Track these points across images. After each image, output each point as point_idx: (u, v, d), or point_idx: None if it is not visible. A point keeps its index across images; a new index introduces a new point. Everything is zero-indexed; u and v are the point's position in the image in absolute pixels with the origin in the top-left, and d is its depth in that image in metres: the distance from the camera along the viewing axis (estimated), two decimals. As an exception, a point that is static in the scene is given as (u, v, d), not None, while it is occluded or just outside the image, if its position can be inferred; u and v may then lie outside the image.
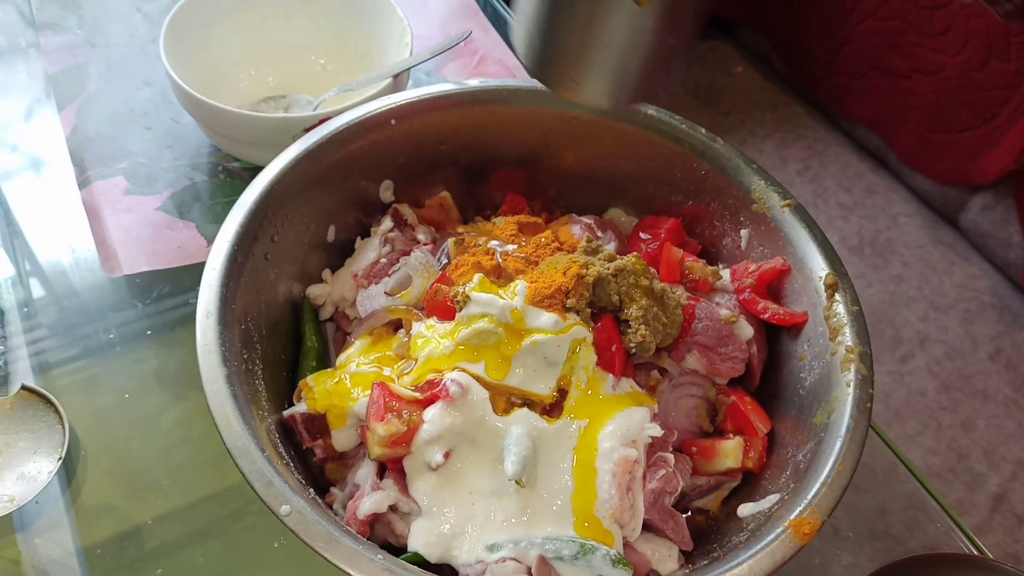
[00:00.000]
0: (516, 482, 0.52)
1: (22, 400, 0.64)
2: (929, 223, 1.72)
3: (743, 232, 0.66)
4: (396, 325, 0.62)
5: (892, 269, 1.67)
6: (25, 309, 0.72)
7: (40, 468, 0.61)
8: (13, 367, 0.69)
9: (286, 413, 0.58)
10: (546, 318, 0.56)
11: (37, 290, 0.75)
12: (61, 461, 0.61)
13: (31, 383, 0.65)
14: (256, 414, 0.52)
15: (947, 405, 1.46)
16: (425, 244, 0.66)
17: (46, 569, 0.59)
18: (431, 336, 0.57)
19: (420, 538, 0.52)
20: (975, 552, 0.67)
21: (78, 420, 0.65)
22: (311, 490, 0.51)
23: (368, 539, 0.53)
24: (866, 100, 1.63)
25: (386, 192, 0.70)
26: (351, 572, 0.44)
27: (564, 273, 0.57)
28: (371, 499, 0.52)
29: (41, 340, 0.71)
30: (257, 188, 0.60)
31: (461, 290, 0.57)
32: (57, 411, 0.63)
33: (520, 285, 0.57)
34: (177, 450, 0.66)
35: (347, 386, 0.57)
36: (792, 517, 0.49)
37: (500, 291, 0.58)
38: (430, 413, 0.53)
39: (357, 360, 0.59)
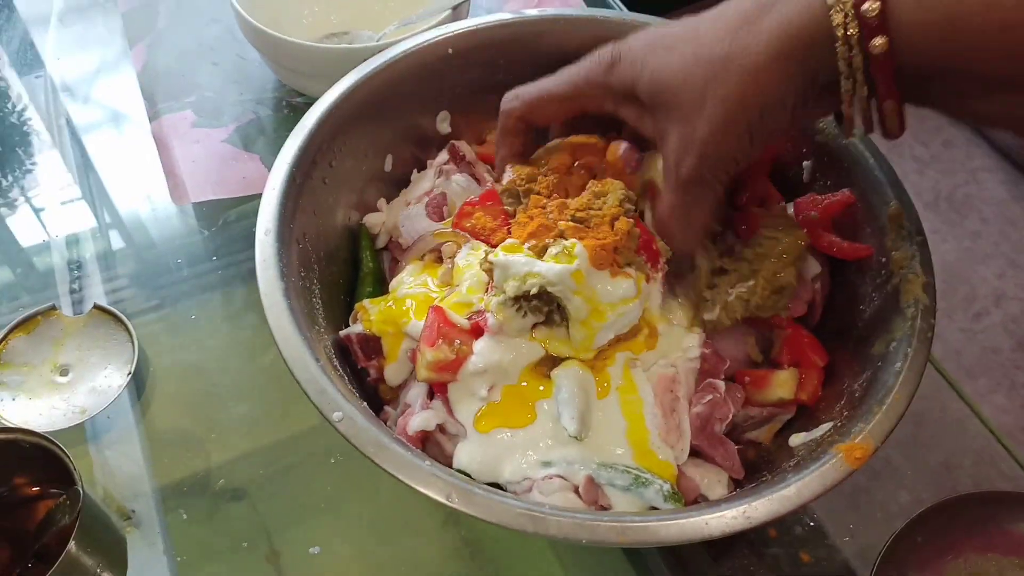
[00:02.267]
0: (575, 437, 0.52)
1: (94, 318, 0.67)
2: (1011, 178, 1.65)
3: (805, 164, 0.64)
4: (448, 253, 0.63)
5: (969, 225, 1.61)
6: (98, 236, 0.75)
7: (110, 382, 0.64)
8: (87, 289, 0.72)
9: (342, 333, 0.59)
10: (621, 285, 0.53)
11: (110, 218, 0.78)
12: (131, 376, 0.64)
13: (103, 303, 0.68)
14: (313, 329, 0.54)
15: (1021, 363, 1.41)
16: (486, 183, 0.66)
17: (115, 476, 0.62)
18: (473, 262, 0.57)
19: (465, 457, 0.53)
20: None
21: (147, 339, 0.68)
22: (364, 402, 0.52)
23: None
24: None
25: (443, 123, 0.70)
26: (399, 476, 0.45)
27: (612, 225, 0.54)
28: (420, 416, 0.53)
29: (112, 265, 0.74)
30: (315, 114, 0.61)
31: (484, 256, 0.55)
32: (127, 329, 0.66)
33: (577, 247, 0.53)
34: (242, 371, 0.69)
35: (397, 308, 0.58)
36: (845, 442, 0.48)
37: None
38: (479, 346, 0.54)
39: (408, 282, 0.59)
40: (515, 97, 0.59)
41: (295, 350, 0.50)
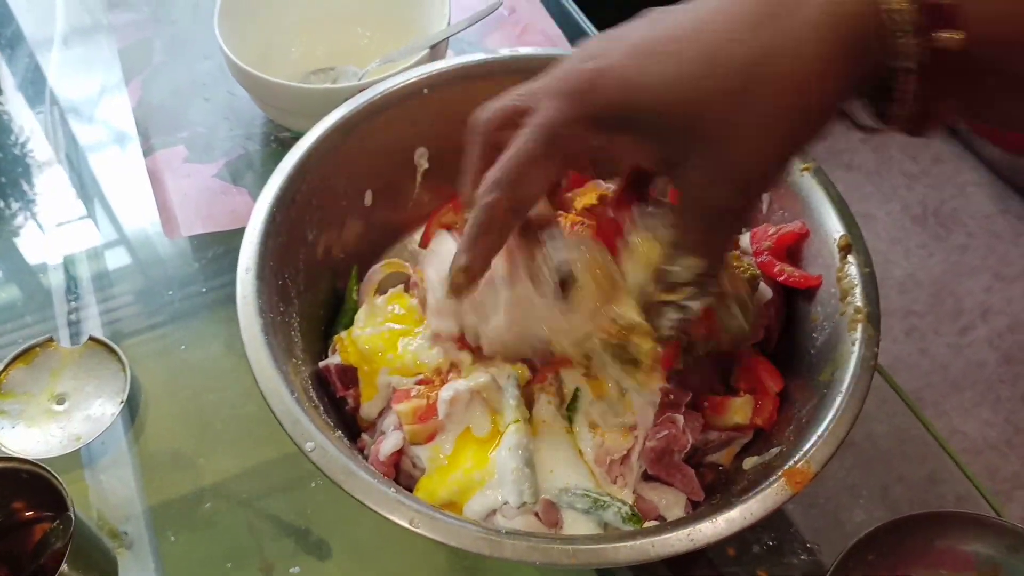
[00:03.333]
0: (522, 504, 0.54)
1: (89, 349, 0.70)
2: (998, 193, 1.67)
3: (764, 196, 0.67)
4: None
5: (956, 239, 1.62)
6: (94, 262, 0.79)
7: (104, 410, 0.68)
8: (84, 314, 0.75)
9: (321, 364, 0.63)
10: None
11: (106, 246, 0.81)
12: (123, 404, 0.67)
13: (98, 335, 0.71)
14: (290, 363, 0.57)
15: (1007, 378, 1.42)
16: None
17: (108, 500, 0.66)
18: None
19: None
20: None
21: (140, 365, 0.72)
22: (338, 432, 0.55)
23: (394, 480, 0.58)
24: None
25: (421, 159, 0.73)
26: (366, 502, 0.48)
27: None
28: (391, 439, 0.56)
29: (108, 293, 0.77)
30: (296, 154, 0.65)
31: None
32: (120, 359, 0.69)
33: None
34: (233, 398, 0.72)
35: (372, 347, 0.62)
36: (787, 468, 0.51)
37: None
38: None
39: (362, 322, 0.63)
40: (494, 186, 0.45)
41: (272, 383, 0.53)
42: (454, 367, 0.59)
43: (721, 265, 0.49)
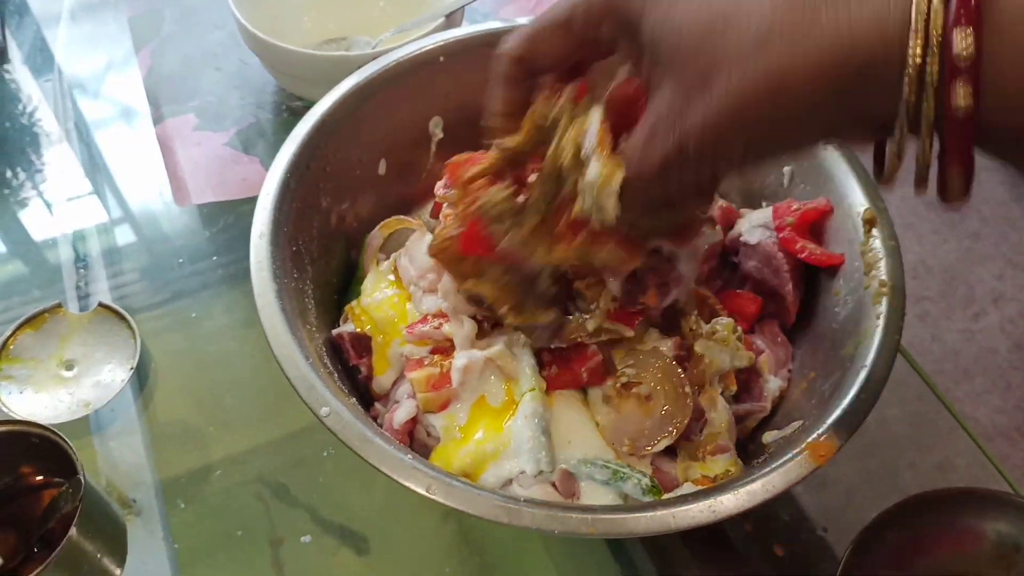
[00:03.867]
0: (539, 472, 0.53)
1: (99, 315, 0.69)
2: (1011, 179, 1.66)
3: (785, 169, 0.66)
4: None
5: (969, 225, 1.62)
6: (103, 233, 0.78)
7: (114, 377, 0.67)
8: (93, 285, 0.75)
9: (334, 332, 0.62)
10: None
11: (115, 216, 0.80)
12: (133, 370, 0.66)
13: (107, 299, 0.71)
14: (304, 328, 0.56)
15: (1018, 364, 1.42)
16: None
17: (118, 467, 0.65)
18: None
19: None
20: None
21: (150, 336, 0.71)
22: (352, 398, 0.55)
23: (406, 449, 0.57)
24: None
25: (436, 128, 0.72)
26: (382, 468, 0.47)
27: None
28: (405, 408, 0.55)
29: (117, 263, 0.77)
30: (310, 121, 0.64)
31: None
32: (130, 326, 0.68)
33: None
34: (242, 366, 0.71)
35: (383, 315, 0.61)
36: (810, 440, 0.50)
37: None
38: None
39: (370, 290, 0.62)
40: (512, 36, 0.48)
41: (286, 349, 0.52)
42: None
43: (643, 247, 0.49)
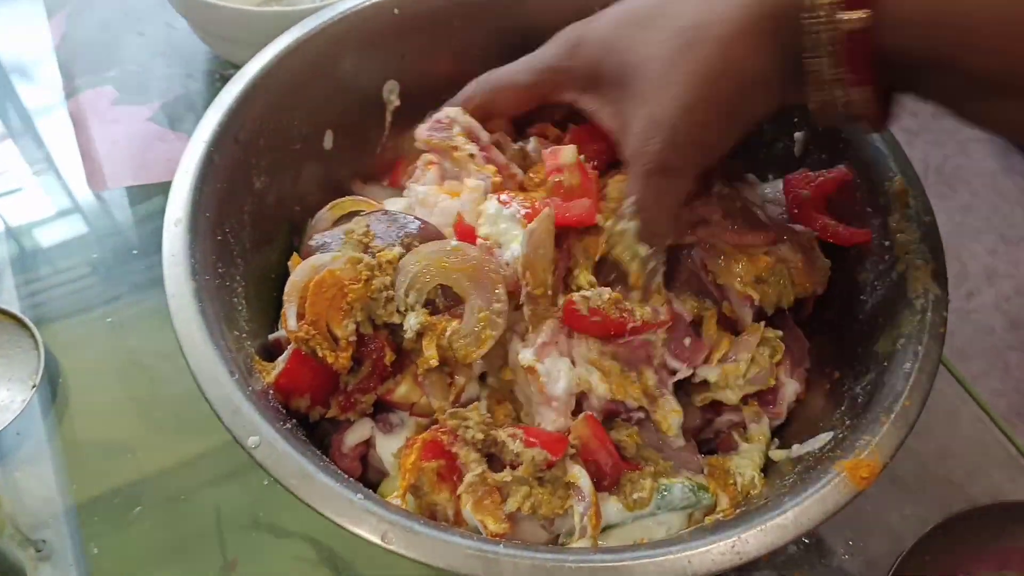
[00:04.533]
0: None
1: (-5, 323, 0.59)
2: (1000, 150, 1.60)
3: (797, 136, 0.58)
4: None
5: (959, 198, 1.56)
6: (4, 231, 0.67)
7: (13, 396, 0.56)
8: (-9, 290, 0.64)
9: (272, 336, 0.52)
10: None
11: (19, 211, 0.70)
12: (35, 388, 0.56)
13: (8, 306, 0.60)
14: (231, 335, 0.46)
15: (1015, 344, 1.36)
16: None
17: (23, 502, 0.55)
18: None
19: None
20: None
21: (60, 346, 0.61)
22: (292, 421, 0.45)
23: (360, 478, 0.47)
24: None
25: (391, 95, 0.62)
26: (326, 513, 0.38)
27: None
28: (356, 429, 0.46)
29: (21, 264, 0.66)
30: (238, 85, 0.54)
31: None
32: (32, 335, 0.58)
33: None
34: (174, 378, 0.61)
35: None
36: (848, 459, 0.41)
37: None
38: None
39: None
40: (475, 84, 0.56)
41: (205, 361, 0.42)
42: None
43: (670, 224, 0.49)
